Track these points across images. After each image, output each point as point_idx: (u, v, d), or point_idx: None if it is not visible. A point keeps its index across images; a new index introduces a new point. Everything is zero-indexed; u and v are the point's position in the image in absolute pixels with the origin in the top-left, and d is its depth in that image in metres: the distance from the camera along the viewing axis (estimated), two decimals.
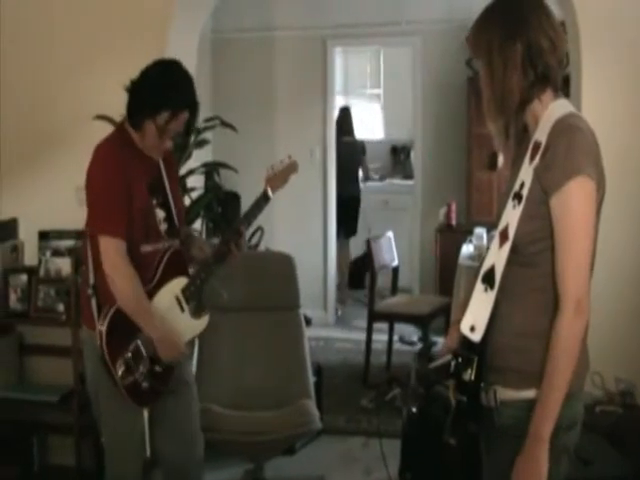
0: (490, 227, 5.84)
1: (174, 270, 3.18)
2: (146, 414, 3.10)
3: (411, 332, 6.90)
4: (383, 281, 6.87)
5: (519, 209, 2.13)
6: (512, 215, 2.15)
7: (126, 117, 3.14)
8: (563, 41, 2.23)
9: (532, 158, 2.15)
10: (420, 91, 7.81)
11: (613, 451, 3.60)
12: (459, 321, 2.28)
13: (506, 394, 2.21)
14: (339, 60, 9.07)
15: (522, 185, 2.15)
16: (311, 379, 4.43)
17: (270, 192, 3.35)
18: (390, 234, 6.69)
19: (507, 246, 2.14)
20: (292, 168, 3.47)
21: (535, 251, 2.14)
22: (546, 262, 2.13)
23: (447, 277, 6.34)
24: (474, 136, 7.27)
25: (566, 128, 2.12)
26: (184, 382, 3.34)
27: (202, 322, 3.27)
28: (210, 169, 4.97)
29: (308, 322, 5.20)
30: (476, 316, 2.19)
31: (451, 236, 7.17)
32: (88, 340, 3.14)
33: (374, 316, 6.20)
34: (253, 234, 5.88)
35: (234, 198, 7.19)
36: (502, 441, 2.25)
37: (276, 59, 7.77)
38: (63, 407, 4.31)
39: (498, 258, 2.16)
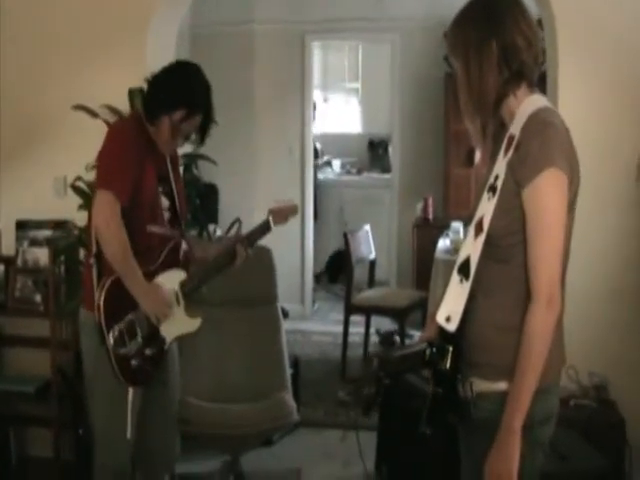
0: (467, 221, 5.89)
1: (176, 260, 3.25)
2: (130, 396, 3.10)
3: (388, 325, 6.93)
4: (360, 274, 6.89)
5: (493, 201, 2.16)
6: (487, 207, 2.18)
7: (142, 109, 3.19)
8: (539, 39, 2.25)
9: (506, 151, 2.18)
10: (398, 86, 7.83)
11: (587, 445, 3.65)
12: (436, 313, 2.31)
13: (482, 386, 2.23)
14: (318, 54, 9.08)
15: (496, 178, 2.18)
16: (288, 372, 4.44)
17: (272, 223, 3.44)
18: (367, 227, 6.71)
19: (482, 237, 2.16)
20: (293, 210, 3.56)
21: (510, 244, 2.16)
22: (521, 255, 2.15)
23: (424, 271, 6.38)
24: (451, 131, 7.31)
25: (539, 122, 2.15)
26: (173, 373, 3.40)
27: (194, 323, 3.30)
28: (189, 161, 4.95)
29: (285, 315, 5.21)
30: (451, 307, 2.22)
31: (428, 230, 7.20)
32: (86, 321, 3.15)
33: (351, 309, 6.22)
34: (231, 226, 5.89)
35: (212, 190, 7.20)
36: (478, 433, 2.27)
37: (255, 53, 7.76)
38: (41, 398, 4.30)
39: (473, 249, 2.18)
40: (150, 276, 3.12)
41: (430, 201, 7.38)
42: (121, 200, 2.97)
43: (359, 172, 9.61)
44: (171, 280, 3.21)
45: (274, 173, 7.84)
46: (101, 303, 2.97)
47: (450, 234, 6.02)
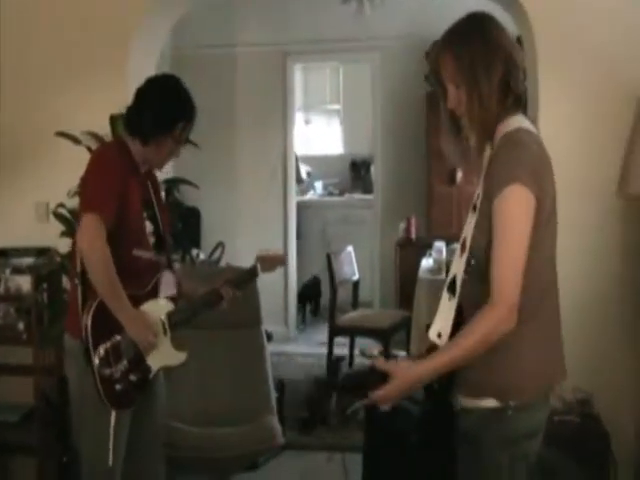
0: (450, 241, 5.92)
1: (164, 289, 3.23)
2: (113, 420, 3.07)
3: (371, 345, 6.93)
4: (343, 295, 6.89)
5: (474, 219, 2.21)
6: (469, 226, 2.23)
7: (129, 131, 3.19)
8: (521, 56, 2.29)
9: (486, 170, 2.24)
10: (379, 106, 7.87)
11: (572, 460, 3.65)
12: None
13: (467, 402, 2.25)
14: (299, 76, 9.11)
15: (478, 196, 2.23)
16: (273, 395, 4.43)
17: (259, 270, 3.44)
18: (350, 248, 6.73)
19: (465, 256, 2.21)
20: (281, 261, 3.57)
21: (486, 260, 2.17)
22: None
23: (407, 291, 6.37)
24: (433, 150, 7.30)
25: (509, 141, 2.20)
26: (158, 398, 3.39)
27: (180, 356, 3.28)
28: (171, 185, 4.96)
29: (269, 338, 5.20)
30: (442, 323, 2.27)
31: (411, 250, 7.20)
32: (71, 346, 3.13)
33: (335, 330, 6.22)
34: (214, 250, 5.89)
35: (194, 214, 7.20)
36: (463, 447, 2.30)
37: (237, 75, 7.80)
38: (25, 426, 4.27)
39: (458, 268, 2.23)
40: (136, 302, 3.10)
41: (413, 221, 7.38)
42: (106, 222, 2.96)
43: (341, 193, 9.62)
44: (158, 309, 3.19)
45: (256, 195, 7.84)
46: (88, 323, 2.96)
47: (433, 253, 6.02)
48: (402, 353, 6.26)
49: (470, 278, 2.20)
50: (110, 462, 3.09)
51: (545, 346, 2.24)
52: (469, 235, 2.20)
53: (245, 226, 7.65)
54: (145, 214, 3.24)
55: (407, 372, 2.17)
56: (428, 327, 5.40)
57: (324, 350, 6.36)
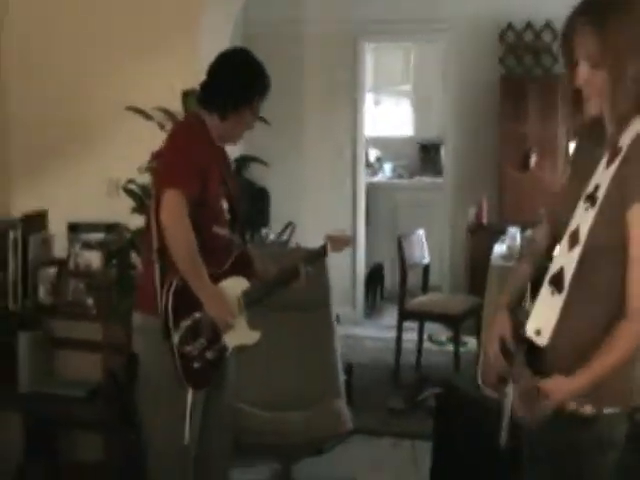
0: (524, 226, 5.78)
1: (240, 268, 3.20)
2: (190, 399, 3.05)
3: (439, 331, 6.83)
4: (412, 279, 6.78)
5: (592, 212, 2.06)
6: (584, 218, 2.08)
7: (206, 107, 3.16)
8: None
9: (609, 162, 2.07)
10: (451, 88, 7.73)
11: None
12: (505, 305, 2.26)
13: (587, 409, 2.13)
14: (369, 56, 9.00)
15: (597, 188, 2.07)
16: (342, 378, 4.37)
17: (329, 249, 3.44)
18: (421, 231, 6.60)
19: (578, 249, 2.07)
20: (348, 243, 3.58)
21: (605, 257, 2.08)
22: (614, 270, 2.07)
23: (478, 276, 6.26)
24: (506, 134, 7.21)
25: None
26: (230, 379, 3.36)
27: (254, 335, 3.24)
28: (240, 164, 4.90)
29: (337, 320, 5.14)
30: (542, 320, 2.13)
31: (482, 235, 7.08)
32: (144, 324, 3.11)
33: (405, 315, 6.11)
34: (284, 230, 5.84)
35: (263, 193, 7.14)
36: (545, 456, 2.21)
37: (306, 54, 7.73)
38: (92, 402, 4.27)
39: (568, 261, 2.10)
40: (215, 280, 3.07)
41: (484, 205, 7.26)
42: (189, 198, 2.93)
43: (411, 176, 9.51)
44: (234, 287, 3.15)
45: (325, 177, 7.78)
46: (170, 300, 2.93)
47: (507, 240, 5.88)
48: (472, 340, 6.15)
49: (580, 274, 2.07)
50: (186, 441, 3.06)
51: None
52: (584, 228, 2.06)
53: (313, 207, 7.59)
54: (222, 191, 3.19)
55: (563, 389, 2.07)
56: None
57: (391, 334, 6.26)
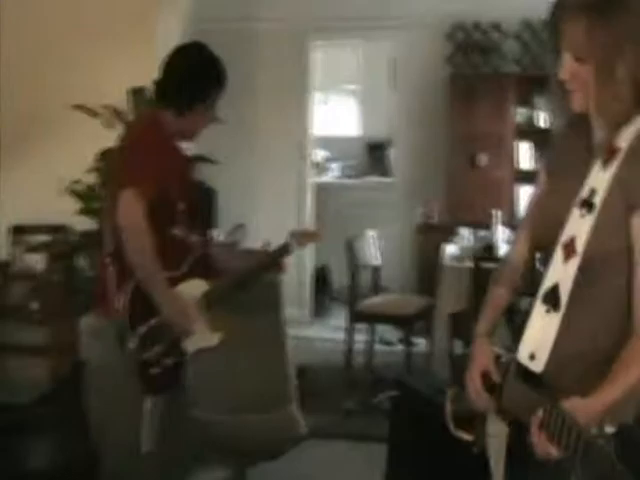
0: (474, 226, 5.78)
1: (200, 270, 3.13)
2: (149, 405, 3.01)
3: (387, 331, 6.80)
4: (363, 279, 6.74)
5: (590, 219, 1.90)
6: (580, 226, 1.91)
7: (161, 103, 3.11)
8: None
9: (606, 163, 1.92)
10: (400, 87, 7.71)
11: None
12: (484, 334, 2.13)
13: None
14: (318, 54, 8.95)
15: (592, 192, 1.91)
16: (294, 382, 4.32)
17: (295, 244, 3.42)
18: (372, 232, 6.55)
19: (575, 261, 1.91)
20: (314, 236, 3.69)
21: (606, 268, 1.90)
22: (616, 279, 1.90)
23: (427, 277, 6.25)
24: (455, 133, 7.21)
25: None
26: (188, 383, 3.29)
27: (213, 338, 3.19)
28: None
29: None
30: (536, 342, 1.96)
31: (432, 235, 7.05)
32: (99, 327, 3.07)
33: (356, 317, 6.04)
34: (233, 231, 5.77)
35: (210, 193, 7.04)
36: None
37: (257, 52, 7.65)
38: (36, 408, 4.16)
39: (564, 275, 1.93)
40: (172, 283, 3.00)
41: (433, 205, 7.25)
42: (146, 198, 2.85)
43: (359, 175, 9.47)
44: (193, 290, 3.09)
45: (274, 176, 7.72)
46: (126, 305, 2.86)
47: (458, 241, 5.87)
48: (422, 341, 6.13)
49: (580, 288, 1.91)
50: (144, 448, 3.02)
51: None
52: (581, 237, 1.90)
53: (262, 207, 7.53)
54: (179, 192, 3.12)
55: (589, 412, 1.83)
56: (454, 316, 5.29)
57: (341, 335, 6.21)
